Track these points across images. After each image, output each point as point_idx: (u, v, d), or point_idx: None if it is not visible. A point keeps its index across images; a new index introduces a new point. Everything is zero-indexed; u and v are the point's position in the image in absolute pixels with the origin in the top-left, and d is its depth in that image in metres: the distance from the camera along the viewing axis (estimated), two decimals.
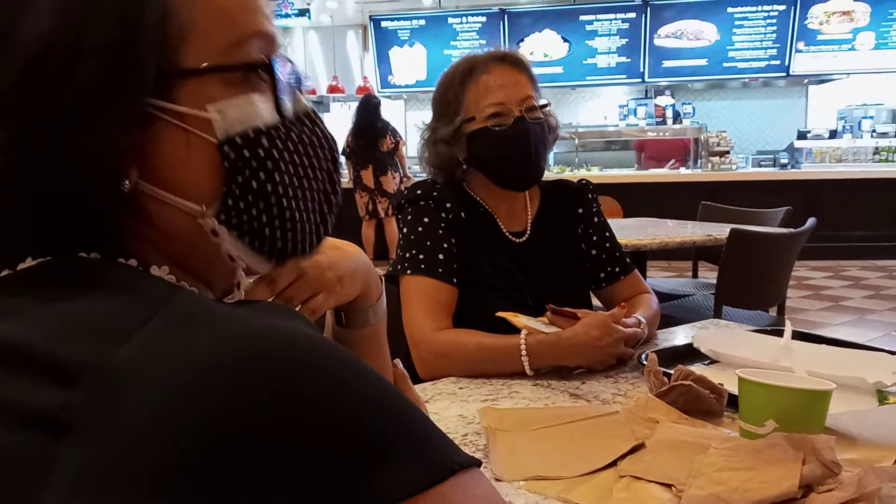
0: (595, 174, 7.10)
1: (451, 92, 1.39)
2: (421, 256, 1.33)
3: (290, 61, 0.53)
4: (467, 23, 8.23)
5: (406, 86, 8.51)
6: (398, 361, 0.77)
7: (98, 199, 0.44)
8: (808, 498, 0.68)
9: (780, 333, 1.17)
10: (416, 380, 1.21)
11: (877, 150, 7.27)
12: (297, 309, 0.65)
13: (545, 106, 1.40)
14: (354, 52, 9.08)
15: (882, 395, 1.00)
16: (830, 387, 0.83)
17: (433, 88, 1.47)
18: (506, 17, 8.12)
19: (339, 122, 8.56)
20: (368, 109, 6.33)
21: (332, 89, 8.26)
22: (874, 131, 7.54)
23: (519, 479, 0.79)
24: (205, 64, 0.46)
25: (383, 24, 8.40)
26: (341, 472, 0.34)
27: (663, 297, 2.88)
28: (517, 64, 1.39)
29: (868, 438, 0.84)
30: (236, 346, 0.36)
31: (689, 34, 7.88)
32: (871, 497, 0.68)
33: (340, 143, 6.65)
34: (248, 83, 0.49)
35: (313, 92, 8.25)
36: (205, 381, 0.34)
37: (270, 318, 0.41)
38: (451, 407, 1.06)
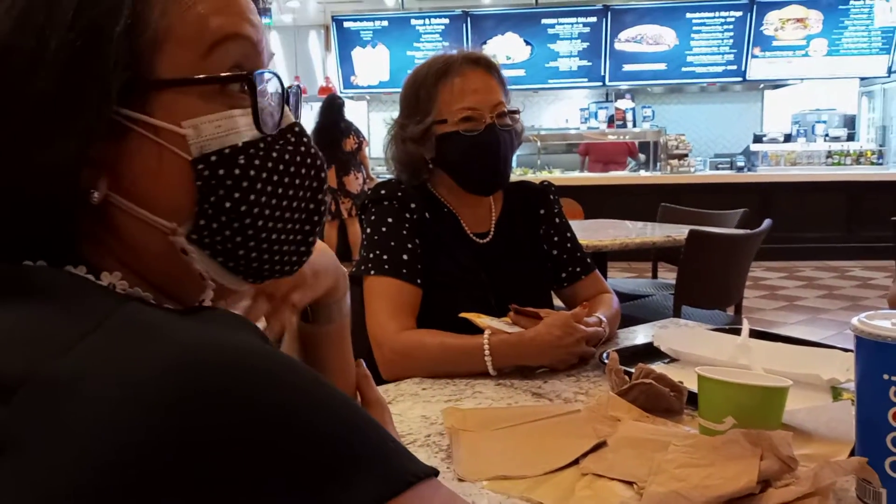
0: (557, 176, 7.17)
1: (423, 90, 1.38)
2: (385, 257, 1.32)
3: (275, 74, 0.50)
4: (430, 24, 8.24)
5: (369, 86, 8.48)
6: (361, 361, 0.76)
7: (55, 209, 0.42)
8: (766, 493, 0.69)
9: (737, 332, 1.19)
10: (379, 381, 1.20)
11: (829, 154, 7.47)
12: (279, 304, 0.64)
13: (515, 112, 1.41)
14: (317, 52, 9.01)
15: (836, 392, 1.03)
16: (787, 384, 0.85)
17: (397, 89, 1.47)
18: (469, 19, 8.15)
19: (301, 123, 8.50)
20: (332, 110, 6.29)
21: None
22: (827, 135, 7.76)
23: (482, 479, 0.79)
24: (180, 76, 0.45)
25: (346, 24, 8.35)
26: (293, 488, 0.34)
27: (624, 297, 2.92)
28: (490, 68, 1.39)
29: (823, 434, 0.86)
30: (181, 358, 0.35)
31: (648, 39, 8.00)
32: (827, 491, 0.70)
33: None
34: (226, 95, 0.47)
35: None
36: (146, 395, 0.33)
37: (220, 329, 0.40)
38: (413, 408, 1.05)
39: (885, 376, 0.66)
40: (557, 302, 1.54)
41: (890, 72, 7.75)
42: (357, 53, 8.41)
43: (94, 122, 0.42)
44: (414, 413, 1.03)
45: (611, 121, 8.22)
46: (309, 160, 0.52)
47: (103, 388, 0.33)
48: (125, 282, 0.45)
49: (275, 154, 0.49)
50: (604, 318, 1.31)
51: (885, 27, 7.44)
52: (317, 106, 6.64)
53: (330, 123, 6.24)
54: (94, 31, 0.42)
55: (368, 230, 1.37)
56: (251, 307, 0.61)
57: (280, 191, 0.49)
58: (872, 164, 7.36)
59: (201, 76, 0.45)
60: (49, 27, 0.41)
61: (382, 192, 1.39)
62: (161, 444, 0.32)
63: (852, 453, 0.75)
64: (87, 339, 0.36)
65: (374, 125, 9.08)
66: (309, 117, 6.73)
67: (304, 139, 0.52)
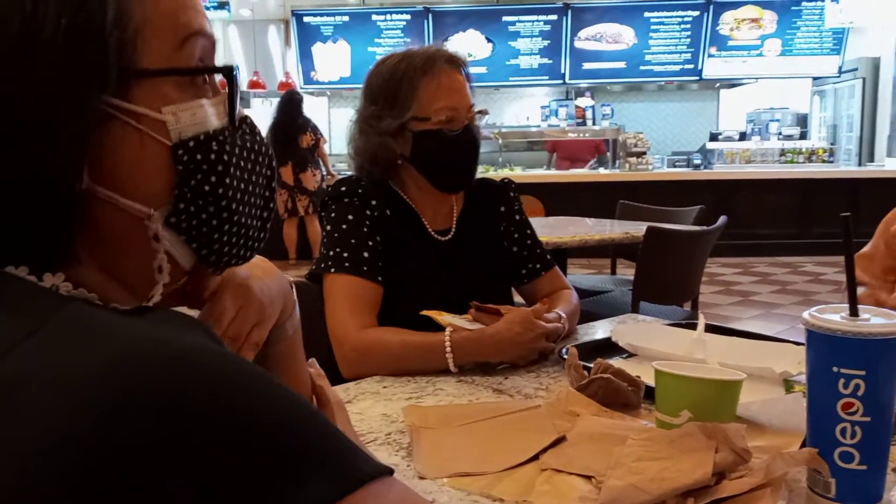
0: (518, 174, 7.21)
1: (405, 85, 1.36)
2: (345, 254, 1.31)
3: (236, 67, 0.53)
4: (391, 20, 8.21)
5: (330, 82, 8.41)
6: (314, 361, 0.75)
7: (48, 202, 0.42)
8: (721, 485, 0.71)
9: (693, 327, 1.21)
10: (340, 379, 1.19)
11: (783, 152, 7.65)
12: (241, 344, 0.63)
13: (484, 112, 1.42)
14: (276, 47, 8.91)
15: (788, 384, 1.05)
16: (741, 377, 0.86)
17: (358, 85, 1.45)
18: (430, 15, 8.14)
19: (260, 119, 8.39)
20: (290, 106, 6.23)
21: (253, 85, 8.08)
22: (780, 134, 7.95)
23: (442, 477, 0.79)
24: (159, 66, 0.46)
25: (306, 19, 8.27)
26: (241, 487, 0.33)
27: (583, 293, 2.94)
28: (463, 68, 1.40)
29: (776, 426, 0.88)
30: (124, 357, 0.34)
31: (608, 37, 8.09)
32: (779, 482, 0.71)
33: None
34: (195, 86, 0.49)
35: None
36: (87, 396, 0.32)
37: (168, 328, 0.39)
38: (374, 406, 1.05)
39: (835, 369, 0.68)
40: (518, 298, 1.54)
41: (840, 72, 7.97)
42: (317, 49, 8.33)
43: (91, 110, 0.43)
44: (374, 411, 1.02)
45: (573, 118, 8.30)
46: (263, 149, 0.54)
47: (44, 389, 0.33)
48: (69, 283, 0.44)
49: (238, 142, 0.52)
50: (563, 314, 1.32)
51: (835, 28, 7.64)
52: (276, 101, 6.57)
53: (287, 120, 6.18)
54: (90, 20, 0.43)
55: (328, 227, 1.36)
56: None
57: (245, 176, 0.52)
58: (824, 161, 7.56)
59: (186, 66, 0.48)
60: (46, 14, 0.42)
61: (342, 188, 1.38)
62: (103, 445, 0.31)
63: (803, 444, 0.77)
64: (29, 340, 0.35)
65: (334, 121, 9.02)
66: (268, 113, 6.66)
67: (256, 129, 0.55)
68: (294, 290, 0.72)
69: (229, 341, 0.61)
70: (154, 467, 0.32)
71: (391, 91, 1.36)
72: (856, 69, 7.86)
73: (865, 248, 1.65)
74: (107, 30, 0.43)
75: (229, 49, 8.78)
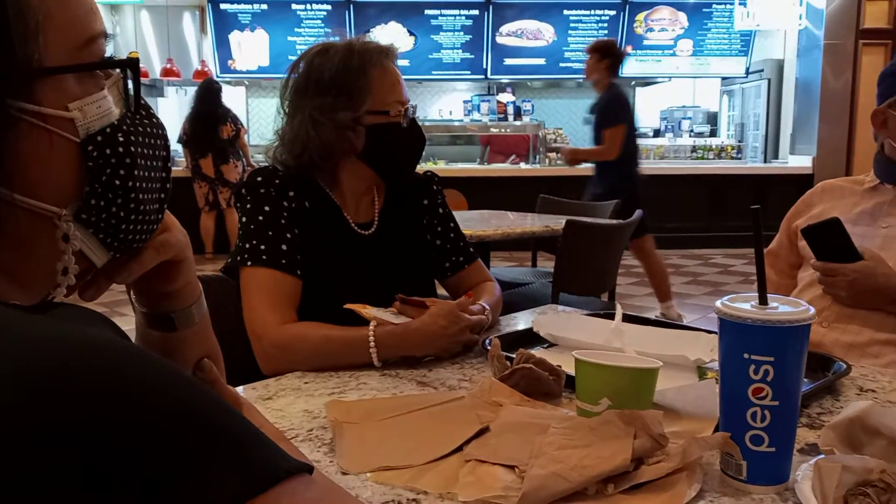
0: (441, 167, 7.23)
1: (360, 77, 1.33)
2: (262, 247, 1.27)
3: (138, 60, 0.53)
4: (312, 10, 8.06)
5: (248, 72, 8.19)
6: (205, 364, 0.71)
7: None
8: (640, 470, 0.72)
9: (611, 317, 1.24)
10: (259, 376, 1.16)
11: (694, 149, 7.96)
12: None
13: (414, 106, 1.43)
14: (191, 34, 8.60)
15: (702, 371, 1.09)
16: (657, 365, 0.89)
17: (278, 75, 1.42)
18: (351, 6, 8.04)
19: (175, 108, 8.11)
20: (209, 95, 6.03)
21: (167, 73, 7.78)
22: (692, 131, 8.27)
23: (365, 471, 0.78)
24: (65, 62, 0.46)
25: (222, 6, 8.03)
26: (145, 481, 0.32)
27: (505, 285, 2.98)
28: (395, 61, 1.40)
29: (690, 412, 0.91)
30: (27, 355, 0.33)
31: (528, 34, 8.20)
32: (694, 465, 0.74)
33: (177, 130, 6.30)
34: (94, 80, 0.49)
35: (146, 74, 7.73)
36: None
37: (71, 323, 0.37)
38: (296, 402, 1.03)
39: (746, 355, 0.71)
40: (441, 291, 1.54)
41: (747, 72, 8.33)
42: (235, 37, 8.10)
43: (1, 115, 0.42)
44: (296, 408, 1.00)
45: (494, 113, 8.38)
46: (159, 131, 0.55)
47: None
48: None
49: (140, 129, 0.52)
50: (487, 306, 1.33)
51: (743, 31, 7.99)
52: (192, 91, 6.35)
53: (206, 110, 6.00)
54: None
55: (244, 219, 1.31)
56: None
57: (147, 162, 0.52)
58: (732, 158, 7.91)
59: (85, 62, 0.48)
60: None
61: (258, 178, 1.34)
62: (8, 443, 0.30)
63: (717, 429, 0.80)
64: None
65: (253, 112, 8.80)
66: (183, 102, 6.44)
67: (151, 110, 0.55)
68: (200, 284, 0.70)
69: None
70: (57, 462, 0.30)
71: (345, 83, 1.34)
72: (761, 70, 8.24)
73: (771, 245, 1.73)
74: (10, 26, 0.42)
75: (141, 35, 8.42)
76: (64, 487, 0.30)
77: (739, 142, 8.26)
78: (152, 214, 0.54)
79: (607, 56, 4.35)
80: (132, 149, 0.50)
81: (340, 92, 1.33)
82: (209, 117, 5.99)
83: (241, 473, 0.34)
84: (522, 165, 7.66)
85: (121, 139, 0.49)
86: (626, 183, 4.36)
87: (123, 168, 0.49)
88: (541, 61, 8.27)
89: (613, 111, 4.37)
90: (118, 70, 0.52)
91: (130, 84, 0.52)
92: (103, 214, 0.49)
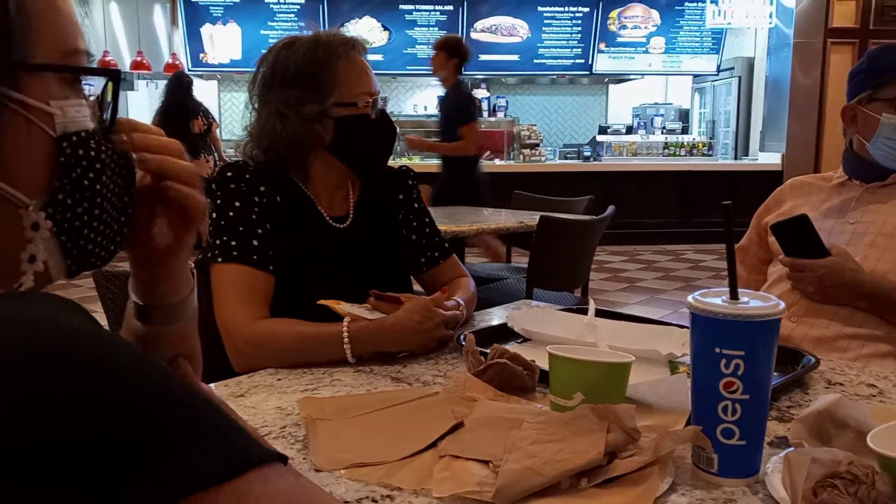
0: (416, 163, 7.20)
1: (326, 68, 1.32)
2: (233, 243, 1.26)
3: (122, 71, 0.55)
4: (285, 4, 7.98)
5: (220, 65, 8.09)
6: (180, 362, 0.71)
7: None
8: (613, 464, 0.73)
9: (584, 312, 1.25)
10: (231, 373, 1.15)
11: (666, 146, 8.03)
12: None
13: (384, 99, 1.42)
14: (162, 26, 8.47)
15: (673, 366, 1.10)
16: (630, 359, 0.89)
17: (251, 69, 1.39)
18: (325, 0, 7.98)
19: (145, 102, 7.98)
20: (179, 88, 5.94)
21: (137, 65, 7.65)
22: (664, 128, 8.34)
23: (339, 468, 0.78)
24: (51, 62, 0.49)
25: None
26: (117, 464, 0.31)
27: (480, 280, 2.97)
28: (365, 54, 1.39)
29: (662, 406, 0.91)
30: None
31: (503, 30, 8.21)
32: (666, 459, 0.74)
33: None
34: (75, 90, 0.52)
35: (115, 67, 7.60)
36: None
37: (44, 308, 0.37)
38: (268, 399, 1.02)
39: (717, 349, 0.71)
40: (416, 287, 1.54)
41: (719, 70, 8.43)
42: (207, 30, 7.99)
43: None
44: (269, 405, 0.99)
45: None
46: (127, 160, 0.57)
47: None
48: None
49: (110, 146, 0.54)
50: (461, 302, 1.33)
51: (714, 28, 8.08)
52: (163, 84, 6.25)
53: (177, 103, 5.90)
54: None
55: (214, 215, 1.30)
56: None
57: (114, 179, 0.54)
58: (703, 155, 8.00)
59: (73, 65, 0.51)
60: None
61: (229, 173, 1.32)
62: None
63: (688, 422, 0.81)
64: None
65: (225, 106, 8.70)
66: (154, 96, 6.34)
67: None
68: (195, 275, 0.71)
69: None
70: (27, 447, 0.30)
71: (311, 75, 1.32)
72: (732, 68, 8.34)
73: (741, 241, 1.75)
74: (10, 20, 0.45)
75: (110, 27, 8.27)
76: (29, 468, 0.30)
77: (710, 139, 8.36)
78: (111, 232, 0.55)
79: (455, 55, 4.49)
80: (103, 157, 0.52)
81: (306, 84, 1.32)
82: (179, 111, 5.90)
83: (213, 457, 0.34)
84: (497, 161, 7.68)
85: (93, 146, 0.51)
86: (472, 177, 4.54)
87: (93, 172, 0.51)
88: (515, 58, 8.28)
89: (468, 108, 4.51)
90: (93, 97, 0.55)
91: (111, 97, 0.55)
92: (68, 214, 0.50)
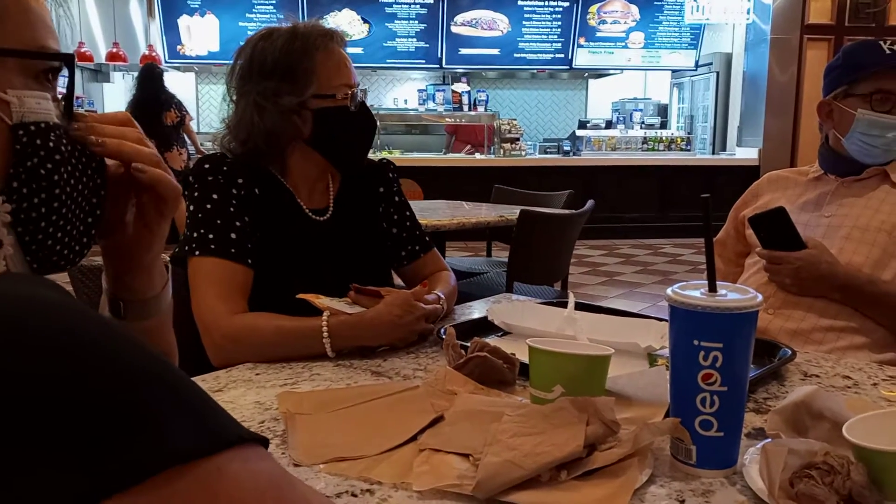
0: (396, 157, 7.19)
1: (304, 60, 1.30)
2: (210, 236, 1.24)
3: (74, 56, 0.58)
4: None
5: (198, 57, 8.00)
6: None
7: None
8: (592, 456, 0.73)
9: (564, 305, 1.25)
10: (209, 367, 1.14)
11: (645, 140, 8.08)
12: None
13: (364, 91, 1.42)
14: (138, 18, 8.35)
15: (652, 358, 1.11)
16: (609, 352, 0.90)
17: (230, 61, 1.38)
18: None
19: (121, 94, 7.87)
20: (151, 80, 5.85)
21: (112, 57, 7.55)
22: (643, 123, 8.39)
23: (318, 463, 0.77)
24: (12, 46, 0.50)
25: None
26: (88, 436, 0.30)
27: (461, 274, 2.99)
28: (344, 46, 1.38)
29: (641, 398, 0.92)
30: None
31: (483, 24, 8.20)
32: (645, 451, 0.75)
33: None
34: (40, 84, 0.52)
35: (90, 59, 7.50)
36: None
37: (14, 284, 0.36)
38: (247, 394, 1.01)
39: (695, 342, 0.72)
40: (397, 280, 1.54)
41: (697, 65, 8.49)
42: (184, 21, 7.90)
43: None
44: (247, 400, 0.98)
45: (450, 103, 8.37)
46: (97, 163, 0.56)
47: None
48: None
49: (78, 147, 0.54)
50: (442, 296, 1.33)
51: (693, 24, 8.13)
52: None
53: (148, 95, 5.80)
54: None
55: (192, 207, 1.28)
56: None
57: (77, 175, 0.54)
58: (682, 150, 8.06)
59: (33, 50, 0.51)
60: None
61: (206, 165, 1.30)
62: None
63: (667, 414, 0.81)
64: None
65: (203, 99, 8.61)
66: (130, 88, 6.25)
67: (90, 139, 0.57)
68: (169, 269, 0.71)
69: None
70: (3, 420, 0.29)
71: (289, 66, 1.31)
72: (710, 63, 8.40)
73: (719, 234, 1.77)
74: None
75: (86, 17, 8.15)
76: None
77: (689, 134, 8.42)
78: (77, 233, 0.54)
79: None
80: (63, 149, 0.51)
81: (284, 76, 1.31)
82: (151, 103, 5.80)
83: (191, 432, 0.33)
84: (478, 156, 7.68)
85: (53, 138, 0.51)
86: None
87: (51, 163, 0.51)
88: (495, 51, 8.27)
89: None
90: (61, 98, 0.55)
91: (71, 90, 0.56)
92: (24, 203, 0.50)
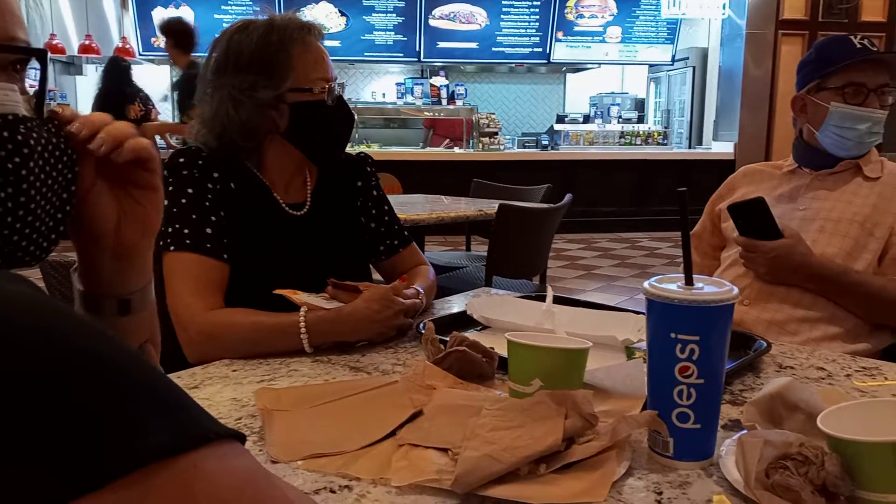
0: (375, 150, 7.16)
1: (280, 53, 1.29)
2: (185, 231, 1.23)
3: (47, 52, 0.57)
4: None
5: None
6: (147, 344, 0.70)
7: None
8: (571, 449, 0.73)
9: (542, 299, 1.26)
10: (184, 364, 1.13)
11: (622, 135, 8.13)
12: None
13: (342, 85, 1.40)
14: (111, 10, 8.22)
15: (630, 351, 1.11)
16: (587, 345, 0.90)
17: (205, 54, 1.36)
18: None
19: (94, 87, 7.74)
20: (115, 73, 5.74)
21: (85, 49, 7.42)
22: (620, 117, 8.43)
23: (296, 459, 0.77)
24: None
25: None
26: (61, 433, 0.30)
27: (440, 269, 2.98)
28: (321, 39, 1.37)
29: (619, 391, 0.92)
30: None
31: (461, 17, 8.18)
32: (623, 443, 0.75)
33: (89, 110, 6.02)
34: (9, 76, 0.52)
35: (63, 51, 7.37)
36: None
37: None
38: (223, 391, 1.00)
39: (672, 335, 0.72)
40: (376, 275, 1.53)
41: (673, 60, 8.54)
42: (158, 14, 7.77)
43: None
44: (223, 396, 0.98)
45: (428, 97, 8.35)
46: (68, 151, 0.55)
47: None
48: None
49: (45, 135, 0.53)
50: (421, 290, 1.32)
51: (669, 19, 8.18)
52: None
53: (113, 88, 5.70)
54: None
55: (166, 202, 1.25)
56: None
57: (47, 169, 0.53)
58: (658, 144, 8.11)
59: (6, 42, 0.51)
60: None
61: (181, 160, 1.28)
62: None
63: (645, 407, 0.82)
64: None
65: None
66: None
67: (62, 131, 0.56)
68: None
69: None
70: None
71: (266, 59, 1.29)
72: (687, 58, 8.46)
73: (695, 228, 1.79)
74: None
75: (57, 9, 8.00)
76: None
77: (665, 128, 8.48)
78: (45, 228, 0.53)
79: (171, 36, 4.74)
80: (31, 143, 0.50)
81: (261, 69, 1.29)
82: (116, 96, 5.70)
83: (167, 429, 0.32)
84: (456, 150, 7.67)
85: (22, 130, 0.50)
86: None
87: (19, 156, 0.50)
88: (473, 45, 8.26)
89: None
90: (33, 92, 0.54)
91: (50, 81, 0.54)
92: None
